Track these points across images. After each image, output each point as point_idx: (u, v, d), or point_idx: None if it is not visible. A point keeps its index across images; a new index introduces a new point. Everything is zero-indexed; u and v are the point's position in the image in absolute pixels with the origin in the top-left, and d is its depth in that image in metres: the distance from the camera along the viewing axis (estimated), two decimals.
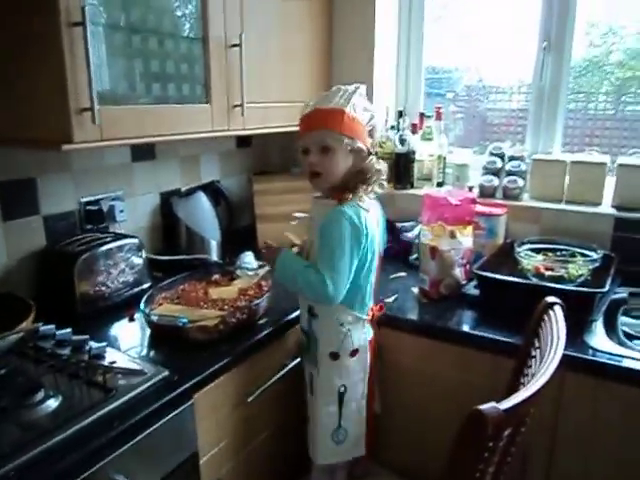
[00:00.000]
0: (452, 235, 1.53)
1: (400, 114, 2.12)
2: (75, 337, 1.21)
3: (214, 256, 1.85)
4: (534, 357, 1.13)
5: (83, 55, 1.10)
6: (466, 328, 1.41)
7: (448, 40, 2.19)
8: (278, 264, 1.29)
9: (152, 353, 1.25)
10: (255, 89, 1.62)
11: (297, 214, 1.40)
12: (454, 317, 1.47)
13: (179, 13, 1.38)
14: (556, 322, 1.09)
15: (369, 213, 1.25)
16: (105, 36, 1.18)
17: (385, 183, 1.33)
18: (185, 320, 1.26)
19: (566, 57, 1.90)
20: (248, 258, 1.73)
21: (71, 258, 1.38)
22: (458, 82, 2.29)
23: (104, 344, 1.19)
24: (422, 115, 2.11)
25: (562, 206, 1.81)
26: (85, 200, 1.56)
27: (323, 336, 1.32)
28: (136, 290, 1.55)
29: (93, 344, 1.19)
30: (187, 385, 1.12)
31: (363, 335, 1.34)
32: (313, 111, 1.26)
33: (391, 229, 2.01)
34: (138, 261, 1.57)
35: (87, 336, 1.22)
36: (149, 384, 1.08)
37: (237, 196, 2.13)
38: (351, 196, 1.23)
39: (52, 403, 1.00)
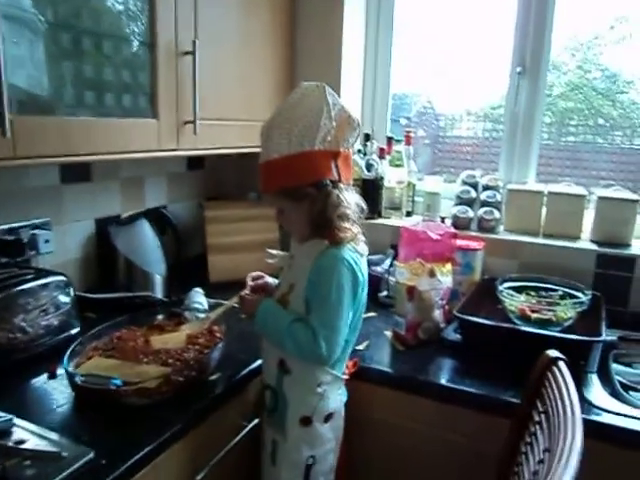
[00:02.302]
0: (432, 273, 1.37)
1: (367, 137, 1.97)
2: None
3: (158, 293, 1.61)
4: (538, 422, 0.97)
5: None
6: (448, 381, 1.23)
7: (407, 64, 2.08)
8: (258, 317, 1.09)
9: (76, 423, 1.00)
10: (210, 104, 1.42)
11: (272, 251, 1.21)
12: (434, 367, 1.30)
13: (121, 10, 1.16)
14: (565, 384, 0.93)
15: (363, 258, 1.09)
16: (24, 29, 0.96)
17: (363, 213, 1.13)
18: (118, 382, 1.02)
19: (542, 83, 1.82)
20: (198, 297, 1.50)
21: None
22: (412, 107, 2.18)
23: (9, 417, 0.93)
24: (390, 139, 1.97)
25: (541, 240, 1.70)
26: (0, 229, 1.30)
27: (295, 397, 1.11)
28: (61, 337, 1.29)
29: None
30: (119, 471, 0.87)
31: (339, 397, 1.14)
32: (259, 166, 1.07)
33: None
34: (65, 301, 1.31)
35: None
36: (67, 473, 0.84)
37: (186, 224, 1.90)
38: (348, 235, 1.04)
39: None
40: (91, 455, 0.88)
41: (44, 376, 1.16)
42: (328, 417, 1.11)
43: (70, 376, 1.04)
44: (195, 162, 1.92)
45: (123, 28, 1.17)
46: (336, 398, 1.12)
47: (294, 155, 1.01)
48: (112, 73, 1.16)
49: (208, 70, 1.40)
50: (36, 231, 1.37)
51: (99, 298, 1.50)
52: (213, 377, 1.18)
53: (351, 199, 1.07)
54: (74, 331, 1.33)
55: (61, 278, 1.30)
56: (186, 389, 1.09)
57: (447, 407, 1.21)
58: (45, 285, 1.27)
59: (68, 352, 1.13)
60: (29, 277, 1.25)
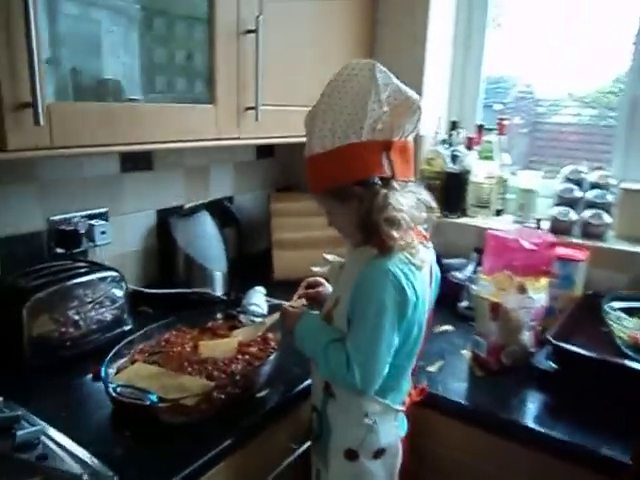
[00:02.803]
0: (521, 289, 1.15)
1: (453, 125, 1.76)
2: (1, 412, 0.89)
3: (217, 291, 1.52)
4: None
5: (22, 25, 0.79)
6: (536, 421, 1.02)
7: (504, 44, 1.82)
8: (297, 333, 0.96)
9: (109, 436, 0.92)
10: (275, 88, 1.29)
11: (327, 256, 1.06)
12: (518, 402, 1.09)
13: None
14: None
15: (422, 271, 0.90)
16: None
17: (433, 214, 0.93)
18: (154, 398, 0.92)
19: None
20: (258, 297, 1.40)
21: (21, 295, 1.07)
22: (508, 91, 1.90)
23: (39, 427, 0.87)
24: (480, 128, 1.74)
25: None
26: (55, 219, 1.26)
27: (339, 426, 0.96)
28: (113, 334, 1.24)
29: (25, 424, 0.87)
30: None
31: (394, 430, 0.97)
32: (304, 162, 0.93)
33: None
34: (118, 296, 1.25)
35: (18, 412, 0.89)
36: None
37: (252, 217, 1.80)
38: (398, 243, 0.86)
39: None
40: None
41: (89, 376, 1.10)
42: (378, 453, 0.95)
43: (106, 385, 0.96)
44: (264, 150, 1.81)
45: (177, 4, 1.06)
46: (389, 432, 0.96)
47: (339, 149, 0.85)
48: (164, 55, 1.06)
49: (274, 50, 1.27)
50: (93, 222, 1.32)
51: (155, 293, 1.43)
52: (262, 394, 1.06)
53: (405, 201, 0.88)
54: (127, 328, 1.27)
55: (114, 273, 1.23)
56: (230, 406, 0.98)
57: (533, 454, 1.00)
58: (98, 279, 1.21)
59: (110, 355, 1.06)
60: (82, 271, 1.20)
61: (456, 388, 1.13)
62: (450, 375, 1.18)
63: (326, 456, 0.98)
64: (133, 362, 1.08)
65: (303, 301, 1.09)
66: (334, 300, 0.95)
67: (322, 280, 1.12)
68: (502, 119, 1.71)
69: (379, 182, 0.86)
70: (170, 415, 0.92)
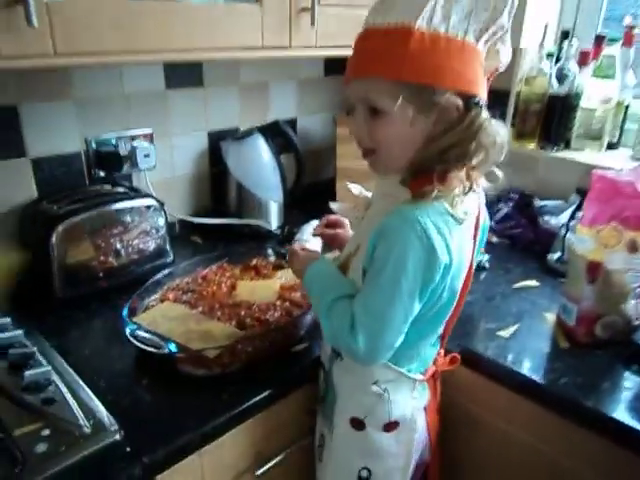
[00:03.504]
0: (632, 247, 0.90)
1: (565, 36, 1.42)
2: (15, 347, 0.84)
3: (273, 223, 1.39)
4: None
5: None
6: (633, 418, 0.81)
7: None
8: (305, 282, 0.80)
9: (126, 385, 0.84)
10: None
11: (353, 187, 0.90)
12: (611, 386, 0.88)
13: None
14: None
15: (463, 225, 0.70)
16: None
17: (498, 170, 0.74)
18: (172, 346, 0.83)
19: None
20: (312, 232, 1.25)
21: (50, 222, 1.00)
22: None
23: (48, 367, 0.81)
24: (600, 39, 1.39)
25: None
26: (95, 139, 1.16)
27: (345, 390, 0.82)
28: (154, 265, 1.16)
29: (41, 362, 0.82)
30: (140, 465, 0.70)
31: (410, 402, 0.81)
32: (361, 35, 0.70)
33: (525, 206, 1.41)
34: (158, 226, 1.16)
35: (34, 348, 0.84)
36: (81, 456, 0.68)
37: (316, 142, 1.62)
38: (436, 189, 0.67)
39: None
40: (116, 437, 0.72)
41: (125, 311, 1.03)
42: (390, 426, 0.80)
43: (124, 324, 0.88)
44: (334, 65, 1.59)
45: None
46: (404, 403, 0.80)
47: (463, 44, 0.66)
48: None
49: None
50: (136, 143, 1.21)
51: (204, 224, 1.33)
52: (298, 347, 0.94)
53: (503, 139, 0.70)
54: (169, 259, 1.19)
55: (152, 201, 1.13)
56: (259, 360, 0.87)
57: (619, 451, 0.81)
58: (136, 207, 1.12)
59: (139, 291, 0.98)
60: (116, 197, 1.11)
61: (531, 358, 0.93)
62: (526, 342, 0.98)
63: (331, 421, 0.85)
64: (163, 300, 0.99)
65: (319, 241, 0.94)
66: (354, 247, 0.78)
67: (344, 220, 0.96)
68: (632, 27, 1.34)
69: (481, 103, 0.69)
70: (190, 366, 0.83)
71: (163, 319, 0.92)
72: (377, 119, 0.69)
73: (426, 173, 0.68)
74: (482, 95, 0.70)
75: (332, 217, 0.97)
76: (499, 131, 0.70)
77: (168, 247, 1.18)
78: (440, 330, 0.83)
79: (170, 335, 0.87)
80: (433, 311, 0.75)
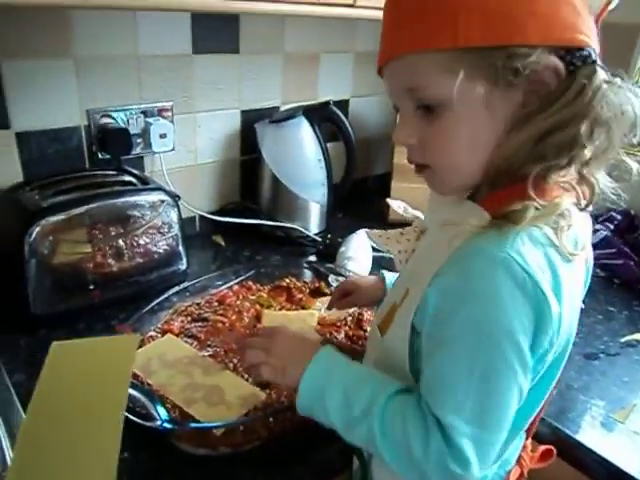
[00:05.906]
0: None
1: None
2: None
3: (312, 228, 1.14)
4: None
5: None
6: None
7: None
8: (312, 382, 0.51)
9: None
10: None
11: (394, 204, 0.66)
12: None
13: None
14: None
15: (573, 263, 0.46)
16: None
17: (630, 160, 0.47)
18: (164, 414, 0.59)
19: None
20: (361, 247, 1.01)
21: (27, 216, 0.76)
22: None
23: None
24: None
25: None
26: (98, 112, 0.92)
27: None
28: (163, 273, 0.92)
29: None
30: None
31: None
32: None
33: (629, 230, 1.13)
34: (170, 225, 0.92)
35: None
36: None
37: (371, 130, 1.35)
38: (534, 205, 0.43)
39: None
40: None
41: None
42: None
43: None
44: None
45: None
46: None
47: None
48: None
49: None
50: (150, 119, 0.97)
51: (229, 222, 1.09)
52: None
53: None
54: (182, 267, 0.95)
55: (163, 196, 0.89)
56: (288, 435, 0.63)
57: None
58: (141, 201, 0.87)
59: (136, 316, 0.75)
60: (121, 189, 0.87)
61: None
62: None
63: None
64: (165, 332, 0.76)
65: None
66: (402, 294, 0.52)
67: (359, 281, 0.77)
68: None
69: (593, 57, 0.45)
70: (186, 444, 0.59)
71: (160, 363, 0.69)
72: (433, 119, 0.46)
73: (511, 181, 0.45)
74: (593, 45, 0.45)
75: (348, 283, 0.78)
76: (629, 97, 0.44)
77: (182, 250, 0.94)
78: (535, 414, 0.56)
79: (165, 391, 0.63)
80: (537, 381, 0.49)
